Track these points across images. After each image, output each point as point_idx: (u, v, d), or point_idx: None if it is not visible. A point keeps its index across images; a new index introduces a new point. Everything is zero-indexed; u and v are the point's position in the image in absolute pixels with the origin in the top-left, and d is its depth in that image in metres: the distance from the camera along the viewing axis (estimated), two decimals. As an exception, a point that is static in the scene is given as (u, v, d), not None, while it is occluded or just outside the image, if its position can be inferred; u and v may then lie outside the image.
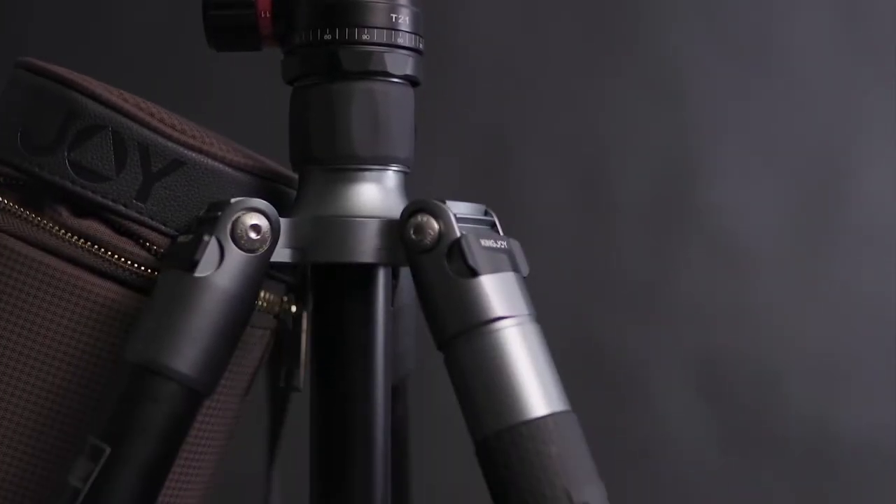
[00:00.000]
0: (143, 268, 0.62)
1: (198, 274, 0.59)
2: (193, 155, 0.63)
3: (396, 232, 0.60)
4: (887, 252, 1.45)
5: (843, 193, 1.46)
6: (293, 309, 0.65)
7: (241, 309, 0.60)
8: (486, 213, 0.63)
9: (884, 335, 1.45)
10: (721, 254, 1.46)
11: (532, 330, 0.59)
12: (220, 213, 0.60)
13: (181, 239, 0.62)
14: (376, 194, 0.62)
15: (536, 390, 0.58)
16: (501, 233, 0.62)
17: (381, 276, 0.63)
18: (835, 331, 1.45)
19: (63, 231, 0.62)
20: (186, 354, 0.58)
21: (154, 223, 0.62)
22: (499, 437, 0.58)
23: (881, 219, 1.45)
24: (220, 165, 0.63)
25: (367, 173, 0.62)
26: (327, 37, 0.62)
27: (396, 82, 0.63)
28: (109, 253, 0.62)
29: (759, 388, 1.45)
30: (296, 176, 0.65)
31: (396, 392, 0.69)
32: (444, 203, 0.59)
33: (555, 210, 1.45)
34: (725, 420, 1.44)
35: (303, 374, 0.65)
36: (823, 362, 1.45)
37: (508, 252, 0.60)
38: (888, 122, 1.46)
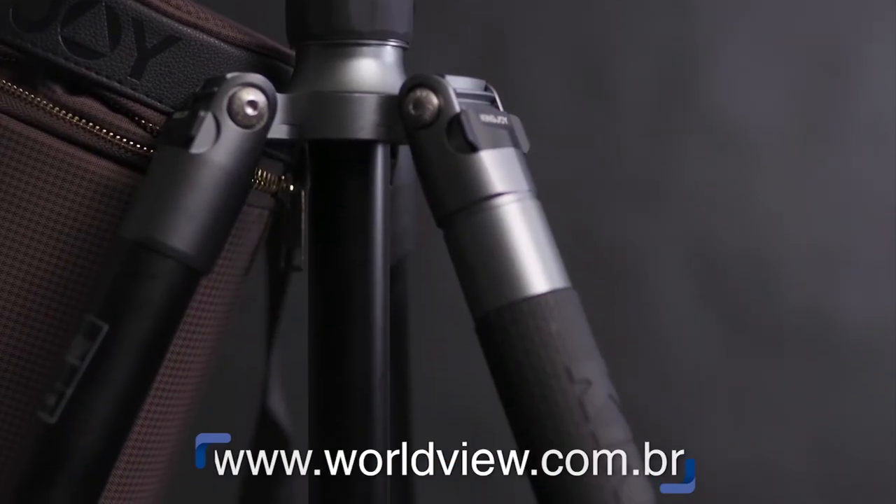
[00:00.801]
0: (138, 145, 0.62)
1: (194, 150, 0.58)
2: (188, 30, 0.62)
3: (395, 108, 0.59)
4: (888, 144, 1.44)
5: (845, 86, 1.45)
6: (291, 188, 0.65)
7: (239, 186, 0.59)
8: (486, 89, 0.62)
9: (884, 227, 1.44)
10: (721, 146, 1.45)
11: (532, 206, 0.58)
12: (216, 89, 0.59)
13: (177, 115, 0.61)
14: (375, 69, 0.61)
15: (537, 267, 0.57)
16: (501, 108, 0.61)
17: (380, 154, 0.62)
18: (835, 222, 1.45)
19: (57, 108, 0.61)
20: (183, 231, 0.58)
21: (149, 100, 0.62)
22: (499, 314, 0.57)
23: (883, 112, 1.44)
24: (216, 41, 0.62)
25: (365, 48, 0.61)
26: None
27: (394, -45, 0.62)
28: (104, 130, 0.61)
29: (758, 278, 1.45)
30: (293, 52, 0.63)
31: (396, 271, 0.68)
32: (444, 78, 0.58)
33: (555, 99, 1.44)
34: (724, 311, 1.45)
35: (304, 254, 0.65)
36: (823, 253, 1.45)
37: (508, 128, 0.60)
38: (893, 17, 1.44)
